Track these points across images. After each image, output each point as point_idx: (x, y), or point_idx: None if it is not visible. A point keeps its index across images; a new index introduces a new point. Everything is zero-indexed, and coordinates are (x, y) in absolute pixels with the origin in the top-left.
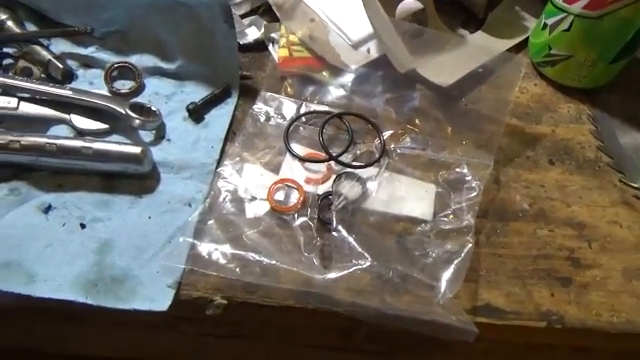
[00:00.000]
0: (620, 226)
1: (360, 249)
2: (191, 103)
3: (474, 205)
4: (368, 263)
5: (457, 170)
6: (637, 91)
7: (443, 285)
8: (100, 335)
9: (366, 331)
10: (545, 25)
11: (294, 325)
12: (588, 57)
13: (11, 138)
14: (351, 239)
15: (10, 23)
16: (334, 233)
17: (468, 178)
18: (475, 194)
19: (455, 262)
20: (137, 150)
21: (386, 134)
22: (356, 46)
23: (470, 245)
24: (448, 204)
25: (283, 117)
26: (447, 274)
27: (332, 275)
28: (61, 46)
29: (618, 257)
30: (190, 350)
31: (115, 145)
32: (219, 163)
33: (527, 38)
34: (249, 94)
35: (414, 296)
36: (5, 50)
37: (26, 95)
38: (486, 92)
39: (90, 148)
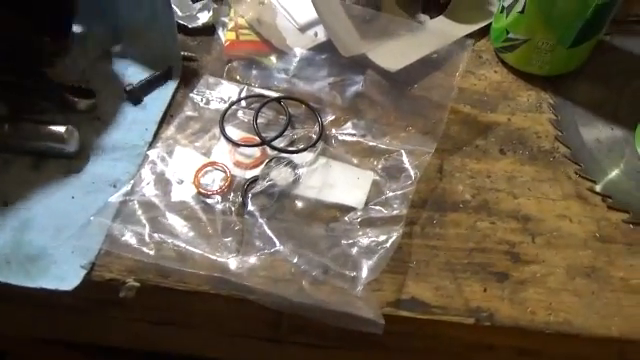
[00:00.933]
0: (570, 220)
1: (270, 234)
2: (128, 84)
3: (408, 194)
4: (276, 248)
5: (396, 157)
6: (604, 79)
7: (363, 276)
8: (30, 316)
9: (289, 322)
10: (502, 8)
11: (220, 313)
12: (546, 40)
13: None
14: (262, 222)
15: None
16: (246, 216)
17: (406, 166)
18: (410, 182)
19: (379, 252)
20: (62, 129)
21: (327, 119)
22: (303, 29)
23: (397, 235)
24: (382, 192)
25: (223, 101)
26: (368, 264)
27: (247, 261)
28: None
29: (563, 253)
30: (130, 336)
31: (41, 125)
32: (151, 145)
33: (491, 24)
34: (192, 77)
35: (333, 287)
36: None
37: None
38: (437, 79)
39: (15, 126)
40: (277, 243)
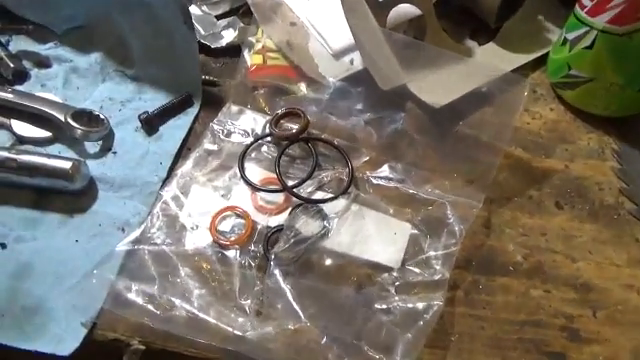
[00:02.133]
0: (638, 292)
1: (295, 305)
2: (144, 112)
3: (452, 255)
4: (300, 325)
5: (438, 208)
6: None
7: (399, 353)
8: None
9: None
10: (565, 40)
11: None
12: (614, 81)
13: None
14: (287, 290)
15: None
16: (268, 281)
17: (450, 220)
18: (455, 241)
19: (417, 325)
20: (67, 165)
21: (361, 160)
22: (337, 56)
23: (438, 304)
24: (422, 250)
25: (246, 134)
26: (404, 339)
27: (266, 329)
28: (21, 42)
29: (629, 332)
30: None
31: (44, 158)
32: (165, 183)
33: (547, 54)
34: (214, 104)
35: None
36: None
37: None
38: (486, 116)
39: (15, 160)
40: (302, 316)
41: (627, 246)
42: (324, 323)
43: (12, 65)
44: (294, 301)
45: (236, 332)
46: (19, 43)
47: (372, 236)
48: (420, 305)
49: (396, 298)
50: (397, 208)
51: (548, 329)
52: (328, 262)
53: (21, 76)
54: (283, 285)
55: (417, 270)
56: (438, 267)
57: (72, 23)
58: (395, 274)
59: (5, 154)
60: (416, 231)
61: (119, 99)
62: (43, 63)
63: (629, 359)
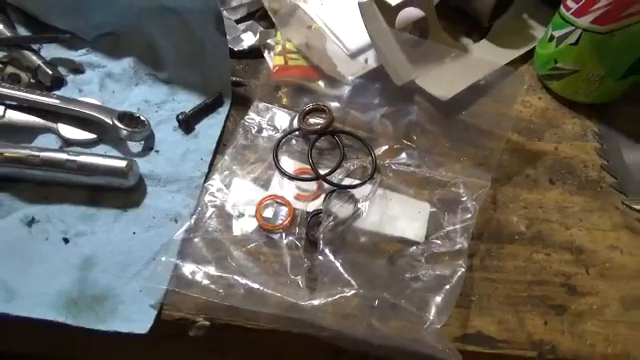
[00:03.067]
0: (621, 252)
1: (346, 275)
2: (181, 113)
3: (469, 227)
4: (354, 291)
5: (453, 189)
6: (637, 104)
7: (432, 312)
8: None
9: (353, 355)
10: (552, 37)
11: (282, 345)
12: (596, 72)
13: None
14: (338, 264)
15: (1, 26)
16: (320, 257)
17: (464, 198)
18: (470, 216)
19: (445, 288)
20: (122, 164)
21: (381, 149)
22: (353, 56)
23: (462, 270)
24: (442, 225)
25: (276, 129)
26: (436, 300)
27: (318, 300)
28: (52, 50)
29: (617, 285)
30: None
31: (100, 158)
32: (207, 176)
33: (534, 48)
34: (242, 103)
35: (402, 323)
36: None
37: (13, 103)
38: (487, 106)
39: (75, 162)
40: (354, 284)
41: (610, 213)
42: (366, 292)
43: (50, 72)
44: (345, 272)
45: (292, 300)
46: (51, 51)
47: (398, 215)
48: (447, 271)
49: (425, 267)
50: (416, 190)
51: (550, 286)
52: (363, 239)
53: (59, 82)
54: (333, 259)
55: (439, 242)
56: (457, 239)
57: (102, 30)
58: (421, 247)
59: (65, 156)
60: (435, 209)
61: (154, 101)
62: (78, 69)
63: (617, 306)
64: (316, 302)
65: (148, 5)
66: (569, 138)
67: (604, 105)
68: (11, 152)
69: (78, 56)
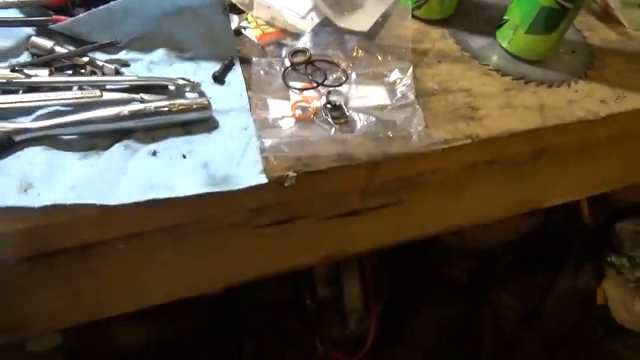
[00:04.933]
0: (487, 85)
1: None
2: (215, 72)
3: (411, 89)
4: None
5: (393, 74)
6: (469, 14)
7: (413, 129)
8: None
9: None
10: None
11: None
12: None
13: (120, 109)
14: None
15: (57, 47)
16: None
17: (401, 77)
18: (410, 82)
19: (414, 119)
20: (205, 100)
21: (343, 64)
22: (304, 17)
23: (419, 108)
24: (396, 93)
25: (275, 69)
26: (414, 123)
27: (352, 134)
28: (98, 56)
29: (492, 101)
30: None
31: (189, 99)
32: (250, 103)
33: None
34: (245, 62)
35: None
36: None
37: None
38: (389, 29)
39: (175, 103)
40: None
41: (474, 70)
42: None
43: (112, 66)
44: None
45: (337, 145)
46: (97, 58)
47: (370, 94)
48: (409, 112)
49: (398, 112)
50: (374, 81)
51: (463, 110)
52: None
53: (119, 74)
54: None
55: (400, 101)
56: (408, 95)
57: (131, 36)
58: (391, 105)
59: (168, 101)
60: (389, 87)
61: (190, 72)
62: (126, 64)
63: (497, 110)
64: (351, 135)
65: (169, 10)
66: (437, 40)
67: (448, 19)
68: (132, 107)
69: (121, 56)
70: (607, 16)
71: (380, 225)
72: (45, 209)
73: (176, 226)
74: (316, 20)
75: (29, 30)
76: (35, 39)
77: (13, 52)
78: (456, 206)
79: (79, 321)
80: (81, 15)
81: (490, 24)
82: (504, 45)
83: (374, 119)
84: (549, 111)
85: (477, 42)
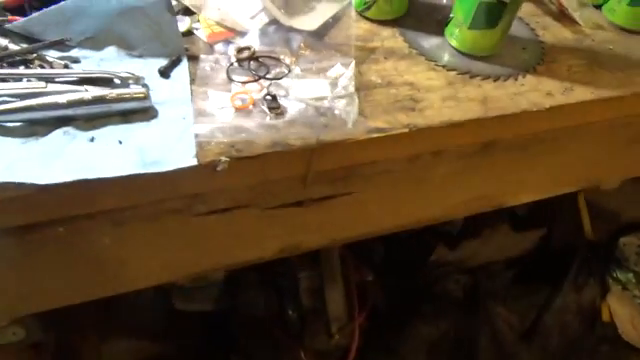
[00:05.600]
0: (432, 79)
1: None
2: (161, 67)
3: (351, 82)
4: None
5: (335, 68)
6: (421, 14)
7: (348, 117)
8: None
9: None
10: None
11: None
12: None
13: (58, 97)
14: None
15: (11, 45)
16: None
17: (343, 70)
18: (351, 75)
19: (351, 108)
20: (142, 90)
21: (288, 60)
22: (252, 17)
23: (357, 99)
24: (337, 86)
25: (220, 65)
26: (350, 112)
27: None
28: (52, 54)
29: (436, 93)
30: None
31: (128, 90)
32: (192, 96)
33: None
34: (193, 60)
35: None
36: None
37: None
38: (336, 29)
39: (112, 93)
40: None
41: (420, 66)
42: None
43: (62, 62)
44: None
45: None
46: (50, 55)
47: (311, 88)
48: (349, 103)
49: (336, 103)
50: (316, 74)
51: (405, 102)
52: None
53: (67, 68)
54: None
55: (340, 93)
56: (349, 88)
57: (84, 35)
58: (330, 97)
59: (108, 90)
60: (330, 80)
61: (137, 69)
62: (76, 60)
63: (439, 101)
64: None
65: (119, 9)
66: (387, 39)
67: (398, 19)
68: (72, 96)
69: (71, 54)
70: (563, 16)
71: (332, 218)
72: None
73: (113, 210)
74: (265, 20)
75: None
76: None
77: None
78: (410, 200)
79: (22, 311)
80: (34, 14)
81: (441, 24)
82: (452, 43)
83: (312, 108)
84: (492, 102)
85: (428, 42)
